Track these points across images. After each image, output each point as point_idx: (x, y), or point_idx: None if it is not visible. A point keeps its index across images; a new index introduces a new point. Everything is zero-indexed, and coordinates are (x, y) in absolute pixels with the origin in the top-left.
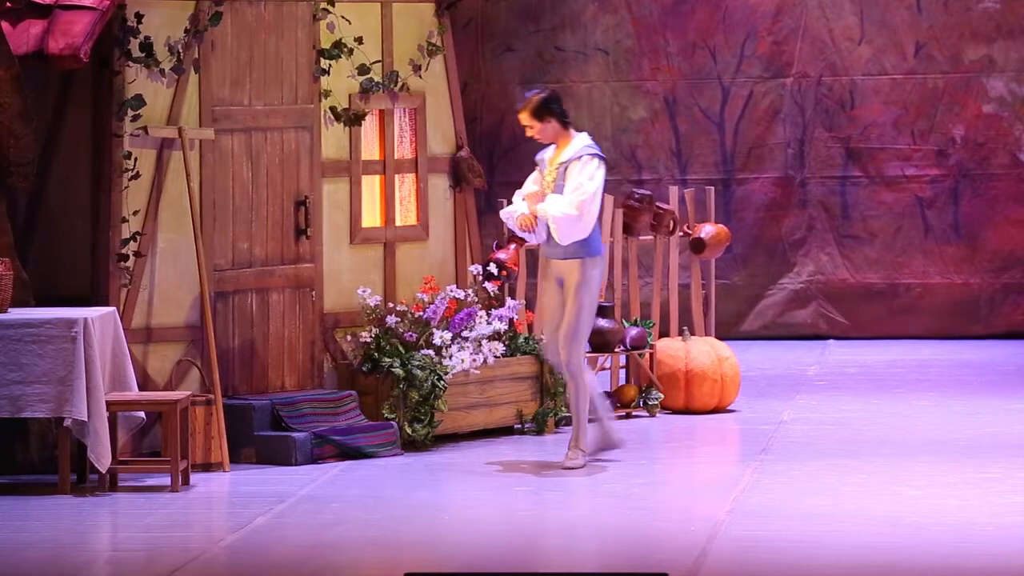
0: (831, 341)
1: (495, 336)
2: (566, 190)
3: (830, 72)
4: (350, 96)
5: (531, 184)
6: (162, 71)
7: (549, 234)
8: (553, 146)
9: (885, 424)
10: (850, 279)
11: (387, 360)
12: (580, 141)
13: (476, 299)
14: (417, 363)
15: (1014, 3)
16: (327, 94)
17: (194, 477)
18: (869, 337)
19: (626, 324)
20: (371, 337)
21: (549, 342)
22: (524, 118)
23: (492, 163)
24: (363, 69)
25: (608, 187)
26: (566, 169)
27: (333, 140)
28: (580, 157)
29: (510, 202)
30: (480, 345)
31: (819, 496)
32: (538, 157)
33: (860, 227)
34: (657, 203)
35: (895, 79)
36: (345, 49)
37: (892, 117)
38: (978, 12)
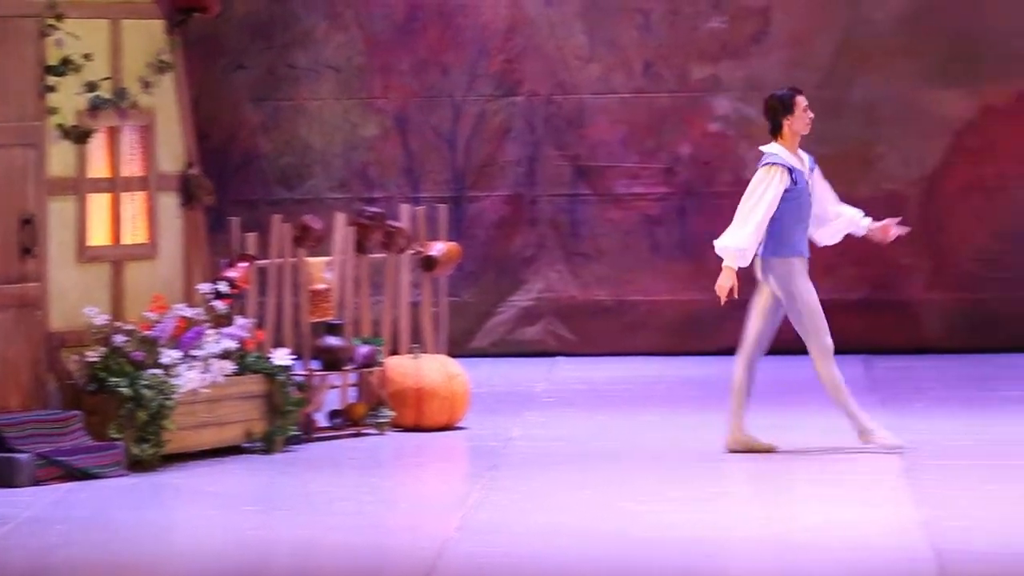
0: (559, 358)
1: (225, 355)
2: (743, 196)
3: (560, 91)
4: (78, 113)
5: None
6: None
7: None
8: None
9: (612, 440)
10: (579, 296)
11: (114, 380)
12: (767, 149)
13: (206, 317)
14: (145, 383)
15: (740, 23)
16: (54, 111)
17: None
18: (597, 354)
19: (356, 342)
20: (98, 357)
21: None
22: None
23: (222, 180)
24: (91, 86)
25: (338, 205)
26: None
27: (60, 158)
28: (764, 164)
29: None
30: (209, 364)
31: (548, 511)
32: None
33: (589, 244)
34: (388, 221)
35: (623, 98)
36: (73, 66)
37: (620, 135)
38: (704, 32)
